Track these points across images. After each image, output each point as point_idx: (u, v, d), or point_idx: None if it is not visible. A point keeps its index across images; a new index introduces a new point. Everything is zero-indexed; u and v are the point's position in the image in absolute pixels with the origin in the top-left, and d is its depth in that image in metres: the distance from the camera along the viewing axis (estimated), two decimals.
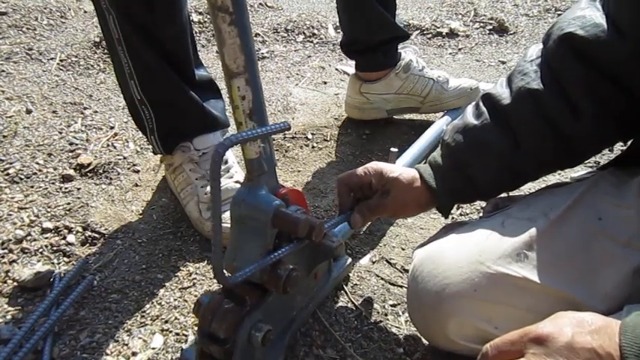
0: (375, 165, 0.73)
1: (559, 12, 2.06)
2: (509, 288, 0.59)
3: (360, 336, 0.76)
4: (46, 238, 0.92)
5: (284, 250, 0.58)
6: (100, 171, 1.11)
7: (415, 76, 1.27)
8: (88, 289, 0.83)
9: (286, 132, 1.28)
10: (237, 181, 0.96)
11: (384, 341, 0.76)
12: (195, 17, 1.86)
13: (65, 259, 0.89)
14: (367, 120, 1.32)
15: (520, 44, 1.82)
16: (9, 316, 0.77)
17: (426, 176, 0.70)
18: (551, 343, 0.43)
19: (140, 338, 0.75)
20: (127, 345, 0.74)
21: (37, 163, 1.11)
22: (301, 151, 1.23)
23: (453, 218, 1.02)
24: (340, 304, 0.82)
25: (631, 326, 0.43)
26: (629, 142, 0.68)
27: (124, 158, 1.16)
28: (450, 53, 1.78)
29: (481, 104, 0.69)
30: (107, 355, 0.73)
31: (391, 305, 0.82)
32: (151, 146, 1.01)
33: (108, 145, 1.19)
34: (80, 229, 0.95)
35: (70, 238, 0.93)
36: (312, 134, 1.29)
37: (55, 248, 0.90)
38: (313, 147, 1.25)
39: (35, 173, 1.08)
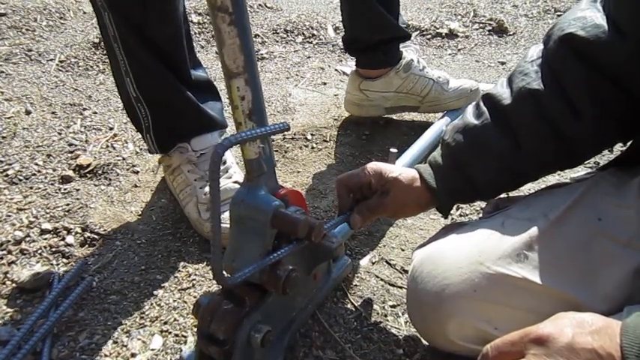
0: (374, 165, 0.72)
1: (558, 13, 2.06)
2: (509, 288, 0.59)
3: (359, 337, 0.76)
4: (45, 239, 0.92)
5: (283, 251, 0.58)
6: (99, 172, 1.11)
7: (415, 75, 1.27)
8: (87, 290, 0.83)
9: (286, 133, 1.28)
10: (235, 182, 0.96)
11: (383, 342, 0.75)
12: (194, 18, 1.86)
13: (64, 260, 0.89)
14: (366, 120, 1.33)
15: (519, 45, 1.82)
16: (8, 318, 0.77)
17: (425, 176, 0.70)
18: (551, 343, 0.43)
19: (139, 339, 0.75)
20: (126, 346, 0.74)
21: (36, 164, 1.10)
22: (301, 152, 1.23)
23: (452, 219, 1.02)
24: (340, 305, 0.81)
25: (632, 327, 0.43)
26: (628, 143, 0.68)
27: (124, 159, 1.15)
28: (450, 54, 1.78)
29: (482, 104, 0.69)
30: (106, 356, 0.73)
31: (391, 306, 0.82)
32: (146, 146, 1.01)
33: (107, 146, 1.19)
34: (79, 230, 0.95)
35: (69, 239, 0.93)
36: (312, 135, 1.29)
37: (54, 249, 0.90)
38: (313, 148, 1.25)
39: (34, 174, 1.08)
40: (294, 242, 0.61)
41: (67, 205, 1.00)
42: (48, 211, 0.98)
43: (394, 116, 1.36)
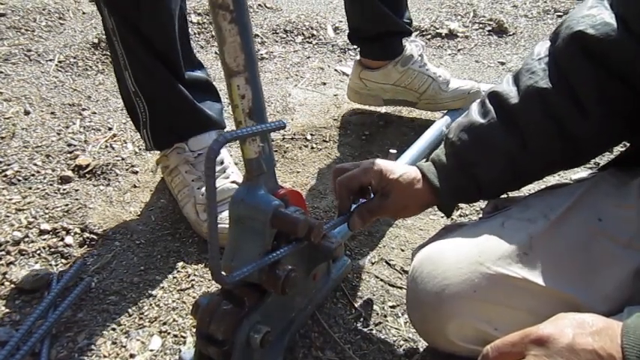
0: (375, 165, 0.71)
1: (558, 13, 2.06)
2: (509, 289, 0.59)
3: (359, 337, 0.76)
4: (44, 239, 0.92)
5: (283, 251, 0.58)
6: (99, 172, 1.10)
7: (414, 71, 1.27)
8: (86, 290, 0.83)
9: (285, 133, 1.28)
10: (233, 182, 0.96)
11: (383, 343, 0.75)
12: (194, 18, 1.86)
13: (63, 260, 0.88)
14: (366, 120, 1.33)
15: (519, 45, 1.82)
16: (6, 319, 0.77)
17: (429, 175, 0.69)
18: (552, 344, 0.43)
19: (138, 340, 0.75)
20: (125, 347, 0.74)
21: (35, 165, 1.10)
22: (300, 152, 1.23)
23: (452, 219, 1.01)
24: (339, 305, 0.81)
25: (632, 327, 0.42)
26: (628, 143, 0.68)
27: (123, 159, 1.15)
28: (450, 54, 1.77)
29: (487, 102, 0.68)
30: (105, 357, 0.72)
31: (390, 307, 0.81)
32: (143, 142, 1.01)
33: (106, 147, 1.19)
34: (78, 231, 0.94)
35: (68, 239, 0.92)
36: (312, 135, 1.29)
37: (52, 250, 0.90)
38: (312, 148, 1.24)
39: (33, 175, 1.07)
40: (294, 242, 0.60)
41: (66, 205, 1.00)
42: (47, 211, 0.98)
43: (394, 116, 1.36)
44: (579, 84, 0.60)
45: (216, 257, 0.49)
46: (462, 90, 1.28)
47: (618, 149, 0.70)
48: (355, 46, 1.33)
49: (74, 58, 1.56)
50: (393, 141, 1.27)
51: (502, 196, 0.73)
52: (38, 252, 0.89)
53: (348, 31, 1.33)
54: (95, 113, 1.32)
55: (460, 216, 1.03)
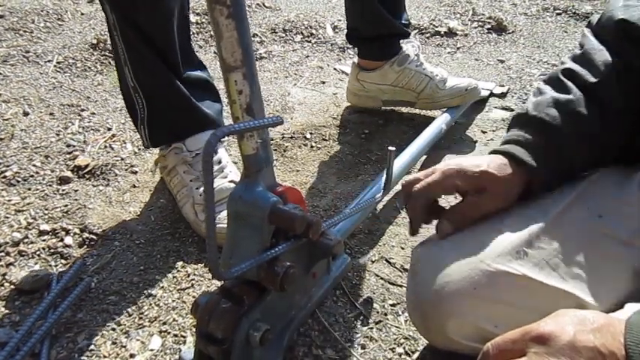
0: (451, 167, 0.64)
1: (557, 11, 2.06)
2: (509, 286, 0.59)
3: (359, 336, 0.76)
4: (44, 240, 0.92)
5: (281, 248, 0.58)
6: (98, 172, 1.10)
7: (411, 70, 1.28)
8: (86, 291, 0.82)
9: (285, 132, 1.28)
10: (231, 181, 0.96)
11: (383, 341, 0.75)
12: (192, 18, 1.86)
13: (63, 261, 0.88)
14: (366, 119, 1.34)
15: (518, 43, 1.82)
16: (6, 319, 0.77)
17: (522, 156, 0.64)
18: (553, 341, 0.43)
19: (138, 340, 0.75)
20: (125, 347, 0.74)
21: (35, 166, 1.10)
22: (300, 151, 1.22)
23: None
24: (340, 303, 0.81)
25: (636, 325, 0.42)
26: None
27: (122, 159, 1.15)
28: (449, 52, 1.77)
29: (564, 79, 0.66)
30: (105, 357, 0.72)
31: (391, 305, 0.81)
32: (140, 138, 1.01)
33: (105, 147, 1.19)
34: (78, 231, 0.94)
35: (68, 240, 0.92)
36: (311, 134, 1.29)
37: (52, 250, 0.90)
38: (312, 147, 1.24)
39: (32, 175, 1.07)
40: (292, 239, 0.60)
41: (66, 206, 1.00)
42: (46, 212, 0.98)
43: (393, 115, 1.36)
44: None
45: (214, 253, 0.49)
46: (459, 87, 1.28)
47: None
48: (353, 47, 1.35)
49: (73, 59, 1.56)
50: (392, 139, 1.27)
51: None
52: (38, 253, 0.89)
53: (346, 31, 1.33)
54: (94, 114, 1.32)
55: None
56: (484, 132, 1.32)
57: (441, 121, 1.22)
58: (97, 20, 1.83)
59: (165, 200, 1.04)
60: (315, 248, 0.65)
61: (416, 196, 0.65)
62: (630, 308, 0.52)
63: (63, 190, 1.04)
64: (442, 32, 1.88)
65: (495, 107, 1.43)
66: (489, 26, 1.92)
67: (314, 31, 1.87)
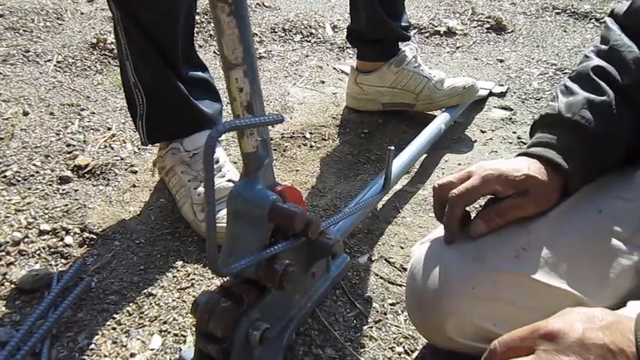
0: (489, 171, 0.62)
1: (556, 10, 2.06)
2: (509, 285, 0.59)
3: (359, 335, 0.76)
4: (44, 240, 0.92)
5: (281, 246, 0.58)
6: (98, 172, 1.10)
7: (409, 72, 1.29)
8: (86, 290, 0.83)
9: (284, 132, 1.28)
10: (229, 180, 0.96)
11: (383, 340, 0.75)
12: None
13: (63, 260, 0.88)
14: (365, 119, 1.35)
15: (518, 43, 1.82)
16: (6, 319, 0.77)
17: (555, 158, 0.62)
18: (562, 339, 0.42)
19: (138, 339, 0.75)
20: (125, 346, 0.74)
21: (35, 165, 1.10)
22: (299, 151, 1.23)
23: None
24: (339, 303, 0.81)
25: None
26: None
27: (122, 159, 1.15)
28: (448, 52, 1.77)
29: (596, 78, 0.64)
30: (105, 356, 0.72)
31: (390, 304, 0.81)
32: (138, 135, 1.02)
33: (105, 147, 1.19)
34: (78, 231, 0.94)
35: (68, 239, 0.92)
36: (310, 133, 1.29)
37: (52, 250, 0.90)
38: (311, 146, 1.24)
39: (32, 175, 1.07)
40: (292, 238, 0.60)
41: (66, 205, 1.00)
42: (46, 211, 0.98)
43: (392, 114, 1.36)
44: None
45: (213, 249, 0.49)
46: (457, 87, 1.29)
47: None
48: (352, 47, 1.36)
49: (73, 58, 1.56)
50: (391, 139, 1.27)
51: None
52: (38, 252, 0.89)
53: (347, 29, 1.35)
54: (94, 113, 1.32)
55: None
56: (483, 131, 1.32)
57: (440, 120, 1.22)
58: (97, 20, 1.83)
59: (165, 200, 1.04)
60: (315, 247, 0.65)
61: (454, 203, 0.62)
62: (634, 306, 0.52)
63: (63, 190, 1.04)
64: (441, 32, 1.88)
65: (495, 107, 1.43)
66: (489, 26, 1.92)
67: (313, 31, 1.87)
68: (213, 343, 0.57)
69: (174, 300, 0.82)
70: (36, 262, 0.87)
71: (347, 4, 1.33)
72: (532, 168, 0.62)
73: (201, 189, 0.94)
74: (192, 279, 0.86)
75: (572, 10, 2.05)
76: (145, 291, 0.83)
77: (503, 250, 0.61)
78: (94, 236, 0.94)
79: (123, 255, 0.90)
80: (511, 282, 0.59)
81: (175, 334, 0.76)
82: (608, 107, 0.63)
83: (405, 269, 0.88)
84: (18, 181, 1.06)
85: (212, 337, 0.57)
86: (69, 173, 1.08)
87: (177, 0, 0.91)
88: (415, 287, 0.64)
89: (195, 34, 1.79)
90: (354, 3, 1.27)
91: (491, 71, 1.62)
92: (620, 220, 0.62)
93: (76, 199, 1.02)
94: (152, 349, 0.74)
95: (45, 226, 0.94)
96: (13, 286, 0.83)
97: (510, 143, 1.26)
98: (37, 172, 1.09)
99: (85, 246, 0.92)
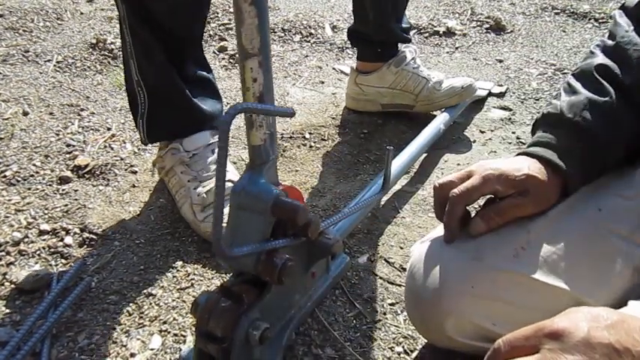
0: (489, 171, 0.62)
1: (555, 10, 2.06)
2: (508, 284, 0.59)
3: (358, 335, 0.76)
4: (44, 240, 0.92)
5: (282, 241, 0.58)
6: (98, 172, 1.10)
7: (408, 72, 1.30)
8: (86, 290, 0.83)
9: (284, 132, 1.28)
10: (228, 180, 0.96)
11: (382, 340, 0.75)
12: None
13: (63, 260, 0.89)
14: (365, 119, 1.35)
15: (517, 43, 1.82)
16: (7, 319, 0.77)
17: (554, 160, 0.63)
18: (567, 338, 0.42)
19: (138, 339, 0.75)
20: (125, 346, 0.74)
21: (34, 165, 1.10)
22: (299, 151, 1.23)
23: None
24: (339, 303, 0.82)
25: None
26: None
27: (122, 159, 1.15)
28: (447, 52, 1.78)
29: (599, 77, 0.64)
30: (105, 356, 0.73)
31: (390, 304, 0.82)
32: (138, 134, 1.02)
33: (105, 147, 1.19)
34: (78, 231, 0.94)
35: (68, 239, 0.92)
36: (310, 134, 1.29)
37: (52, 250, 0.90)
38: (311, 146, 1.25)
39: (32, 175, 1.08)
40: (292, 237, 0.60)
41: (66, 205, 1.00)
42: (46, 211, 0.98)
43: (392, 114, 1.36)
44: None
45: (219, 229, 0.49)
46: (455, 87, 1.30)
47: None
48: (352, 47, 1.37)
49: (72, 58, 1.56)
50: (391, 139, 1.27)
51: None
52: (38, 252, 0.89)
53: (348, 29, 1.36)
54: (94, 113, 1.32)
55: None
56: (482, 132, 1.32)
57: (439, 120, 1.23)
58: (97, 20, 1.83)
59: (165, 200, 1.04)
60: (314, 248, 0.66)
61: (454, 202, 0.62)
62: (636, 305, 0.52)
63: (63, 190, 1.04)
64: (441, 32, 1.88)
65: (494, 107, 1.43)
66: (488, 26, 1.93)
67: (313, 31, 1.87)
68: (213, 342, 0.57)
69: (174, 300, 0.82)
70: (36, 262, 0.87)
71: (347, 5, 1.34)
72: (532, 168, 0.62)
73: (200, 189, 0.95)
74: (191, 279, 0.86)
75: (572, 10, 2.06)
76: (145, 291, 0.83)
77: (502, 250, 0.61)
78: (94, 236, 0.94)
79: (123, 255, 0.90)
80: (510, 281, 0.59)
81: (175, 334, 0.76)
82: (609, 108, 0.63)
83: (404, 269, 0.88)
84: (18, 181, 1.06)
85: (212, 337, 0.57)
86: (69, 173, 1.08)
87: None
88: (414, 286, 0.64)
89: None
90: (360, 3, 1.27)
91: (490, 71, 1.63)
92: (619, 219, 0.62)
93: (76, 199, 1.02)
94: (152, 349, 0.74)
95: (45, 226, 0.94)
96: (13, 286, 0.83)
97: (509, 143, 1.27)
98: (37, 172, 1.09)
99: (85, 246, 0.92)
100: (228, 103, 1.39)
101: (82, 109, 1.33)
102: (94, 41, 1.63)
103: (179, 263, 0.89)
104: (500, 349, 0.46)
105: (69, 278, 0.83)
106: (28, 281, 0.82)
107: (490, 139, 1.29)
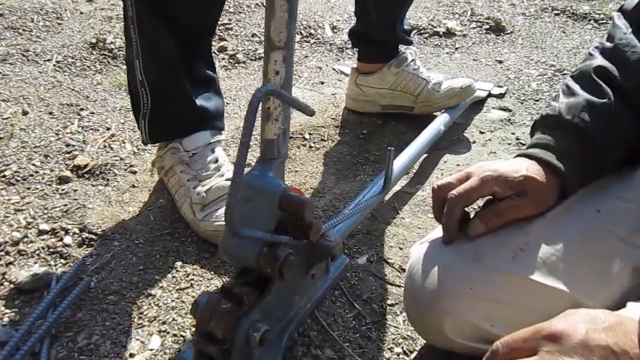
0: (488, 172, 0.62)
1: (555, 11, 2.07)
2: (506, 285, 0.59)
3: (358, 336, 0.76)
4: (43, 239, 0.92)
5: (286, 238, 0.58)
6: (97, 172, 1.10)
7: (408, 73, 1.31)
8: (86, 290, 0.83)
9: None
10: (228, 179, 0.96)
11: (382, 341, 0.75)
12: None
13: (62, 260, 0.89)
14: (364, 119, 1.35)
15: (517, 43, 1.82)
16: (6, 319, 0.77)
17: (553, 161, 0.63)
18: (565, 340, 0.43)
19: (138, 340, 0.75)
20: (124, 346, 0.74)
21: (34, 165, 1.10)
22: (299, 151, 1.23)
23: None
24: (338, 304, 0.82)
25: None
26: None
27: (121, 159, 1.15)
28: (447, 53, 1.78)
29: (597, 79, 0.64)
30: (105, 356, 0.73)
31: (389, 305, 0.82)
32: (140, 134, 1.03)
33: (105, 147, 1.19)
34: (77, 231, 0.94)
35: (67, 239, 0.92)
36: (310, 134, 1.29)
37: (52, 250, 0.90)
38: (310, 147, 1.25)
39: (32, 175, 1.07)
40: (293, 237, 0.60)
41: (65, 205, 1.00)
42: (46, 211, 0.98)
43: (391, 115, 1.36)
44: None
45: (234, 204, 0.50)
46: (454, 87, 1.30)
47: None
48: (353, 47, 1.38)
49: (72, 58, 1.56)
50: (391, 139, 1.27)
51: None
52: (37, 252, 0.89)
53: (350, 30, 1.36)
54: (93, 113, 1.32)
55: None
56: (482, 132, 1.32)
57: (439, 121, 1.23)
58: (96, 19, 1.83)
59: (165, 200, 1.04)
60: (315, 250, 0.66)
61: (453, 203, 0.62)
62: (634, 307, 0.53)
63: (62, 190, 1.04)
64: (440, 32, 1.88)
65: (493, 108, 1.43)
66: (488, 26, 1.93)
67: (313, 32, 1.87)
68: (214, 344, 0.57)
69: (173, 300, 0.82)
70: (35, 262, 0.87)
71: (346, 5, 1.34)
72: (530, 169, 0.62)
73: (200, 188, 0.95)
74: (191, 279, 0.86)
75: (571, 11, 2.06)
76: (144, 291, 0.83)
77: (501, 251, 0.61)
78: (94, 236, 0.94)
79: (122, 255, 0.90)
80: (509, 282, 0.59)
81: (174, 335, 0.76)
82: (607, 110, 0.63)
83: (403, 270, 0.88)
84: (17, 180, 1.06)
85: (212, 338, 0.57)
86: (68, 173, 1.08)
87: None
88: (413, 287, 0.64)
89: None
90: (362, 3, 1.27)
91: (490, 72, 1.63)
92: (618, 220, 0.62)
93: (76, 199, 1.02)
94: (151, 350, 0.74)
95: (44, 226, 0.94)
96: (12, 285, 0.83)
97: (509, 144, 1.27)
98: (37, 171, 1.09)
99: (85, 246, 0.92)
100: (227, 104, 1.39)
101: (81, 109, 1.33)
102: (93, 41, 1.63)
103: (178, 263, 0.89)
104: (499, 350, 0.46)
105: (68, 278, 0.83)
106: (27, 281, 0.82)
107: (490, 139, 1.29)
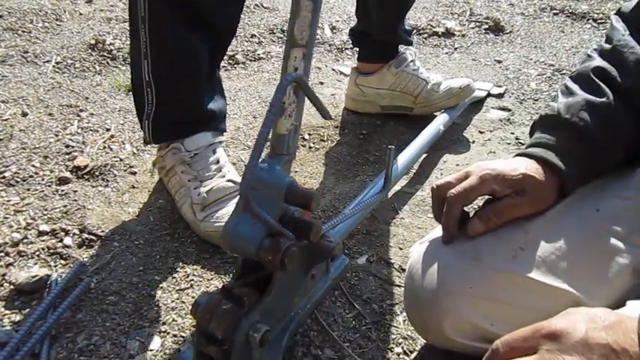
0: (487, 171, 0.63)
1: (554, 11, 2.07)
2: (506, 285, 0.59)
3: (358, 336, 0.76)
4: (43, 240, 0.92)
5: (288, 232, 0.58)
6: (97, 173, 1.10)
7: (408, 74, 1.31)
8: (85, 291, 0.83)
9: None
10: (229, 180, 0.96)
11: (382, 341, 0.76)
12: None
13: (62, 261, 0.89)
14: (364, 120, 1.35)
15: (516, 43, 1.83)
16: (6, 320, 0.77)
17: (553, 160, 0.63)
18: (565, 338, 0.43)
19: (138, 340, 0.75)
20: (124, 347, 0.74)
21: (34, 166, 1.10)
22: (298, 152, 1.23)
23: None
24: (338, 304, 0.82)
25: None
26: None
27: (121, 160, 1.15)
28: (446, 53, 1.78)
29: (595, 79, 0.65)
30: (104, 357, 0.73)
31: (389, 305, 0.82)
32: (142, 134, 1.02)
33: (104, 147, 1.19)
34: (77, 232, 0.94)
35: (67, 240, 0.92)
36: (309, 134, 1.29)
37: (51, 251, 0.90)
38: (310, 147, 1.25)
39: (31, 176, 1.07)
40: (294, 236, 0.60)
41: (65, 206, 1.00)
42: (45, 212, 0.98)
43: (391, 115, 1.36)
44: None
45: (249, 179, 0.51)
46: (453, 87, 1.31)
47: None
48: (353, 47, 1.38)
49: (71, 59, 1.56)
50: (390, 140, 1.27)
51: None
52: (37, 253, 0.89)
53: (350, 29, 1.36)
54: (93, 114, 1.32)
55: None
56: (481, 132, 1.32)
57: (439, 121, 1.23)
58: (96, 20, 1.83)
59: (164, 201, 1.04)
60: (315, 250, 0.66)
61: (452, 202, 0.63)
62: (634, 306, 0.53)
63: (62, 191, 1.04)
64: (440, 33, 1.88)
65: (493, 107, 1.44)
66: (487, 26, 1.93)
67: None
68: (214, 344, 0.57)
69: (173, 301, 0.82)
70: (35, 263, 0.87)
71: (346, 5, 1.34)
72: (529, 168, 0.62)
73: (201, 189, 0.95)
74: (191, 280, 0.86)
75: (570, 10, 2.06)
76: (144, 292, 0.83)
77: (500, 250, 0.61)
78: (93, 237, 0.94)
79: (122, 256, 0.90)
80: (508, 281, 0.60)
81: (174, 335, 0.76)
82: (607, 109, 0.63)
83: (403, 270, 0.88)
84: (17, 182, 1.06)
85: (212, 339, 0.57)
86: (68, 174, 1.08)
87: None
88: (413, 287, 0.64)
89: None
90: (364, 3, 1.27)
91: (489, 72, 1.63)
92: (617, 219, 0.62)
93: (75, 200, 1.02)
94: (151, 350, 0.74)
95: (44, 227, 0.94)
96: (12, 286, 0.83)
97: (508, 144, 1.27)
98: (36, 173, 1.09)
99: (84, 247, 0.92)
100: (227, 104, 1.39)
101: (81, 110, 1.32)
102: (93, 42, 1.63)
103: (178, 264, 0.89)
104: (499, 349, 0.47)
105: (68, 279, 0.83)
106: (27, 282, 0.82)
107: (489, 139, 1.29)
